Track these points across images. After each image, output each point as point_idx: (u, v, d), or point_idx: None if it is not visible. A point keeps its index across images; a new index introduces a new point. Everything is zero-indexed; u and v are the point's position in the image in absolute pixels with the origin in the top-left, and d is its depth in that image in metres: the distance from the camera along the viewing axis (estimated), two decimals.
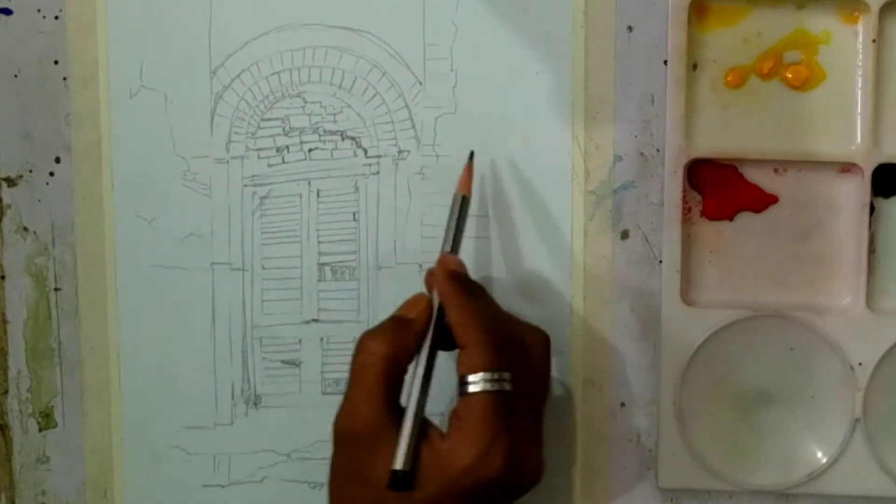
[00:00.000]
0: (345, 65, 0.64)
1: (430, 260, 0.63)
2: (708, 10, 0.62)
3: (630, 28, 0.63)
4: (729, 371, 0.63)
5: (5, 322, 0.67)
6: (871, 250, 0.63)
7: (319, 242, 0.65)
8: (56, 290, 0.66)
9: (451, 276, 0.59)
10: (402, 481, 0.55)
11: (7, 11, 0.65)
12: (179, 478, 0.67)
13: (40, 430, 0.67)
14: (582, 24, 0.63)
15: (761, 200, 0.63)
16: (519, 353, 0.58)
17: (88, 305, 0.66)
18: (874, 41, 0.61)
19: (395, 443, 0.56)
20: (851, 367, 0.62)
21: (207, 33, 0.64)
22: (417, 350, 0.58)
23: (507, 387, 0.56)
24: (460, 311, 0.57)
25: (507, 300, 0.64)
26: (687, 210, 0.63)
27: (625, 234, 0.64)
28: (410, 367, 0.58)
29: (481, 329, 0.57)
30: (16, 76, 0.65)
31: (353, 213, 0.65)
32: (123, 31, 0.65)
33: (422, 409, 0.57)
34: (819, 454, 0.63)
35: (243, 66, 0.64)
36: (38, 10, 0.65)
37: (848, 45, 0.62)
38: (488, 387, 0.56)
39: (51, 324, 0.67)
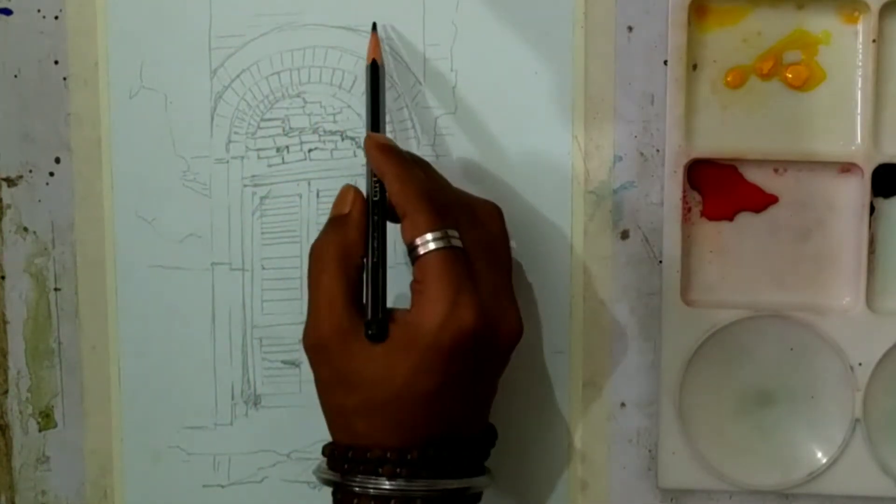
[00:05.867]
0: (345, 65, 0.64)
1: None
2: (708, 10, 0.62)
3: (630, 28, 0.63)
4: (729, 371, 0.63)
5: (5, 322, 0.67)
6: (871, 250, 0.63)
7: None
8: (56, 290, 0.66)
9: (382, 148, 0.58)
10: (376, 328, 0.55)
11: (7, 11, 0.65)
12: (179, 478, 0.67)
13: (40, 430, 0.67)
14: (582, 24, 0.63)
15: (761, 200, 0.63)
16: (465, 216, 0.58)
17: (88, 305, 0.66)
18: (874, 41, 0.61)
19: (363, 338, 0.55)
20: (851, 367, 0.62)
21: (207, 33, 0.64)
22: (365, 239, 0.57)
23: (457, 243, 0.56)
24: (398, 179, 0.56)
25: None
26: (687, 210, 0.63)
27: (625, 234, 0.64)
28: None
29: (419, 194, 0.56)
30: (16, 76, 0.65)
31: None
32: (123, 31, 0.65)
33: (384, 272, 0.56)
34: (819, 454, 0.63)
35: (243, 66, 0.64)
36: (38, 10, 0.65)
37: (848, 45, 0.62)
38: (438, 244, 0.55)
39: (51, 324, 0.67)
